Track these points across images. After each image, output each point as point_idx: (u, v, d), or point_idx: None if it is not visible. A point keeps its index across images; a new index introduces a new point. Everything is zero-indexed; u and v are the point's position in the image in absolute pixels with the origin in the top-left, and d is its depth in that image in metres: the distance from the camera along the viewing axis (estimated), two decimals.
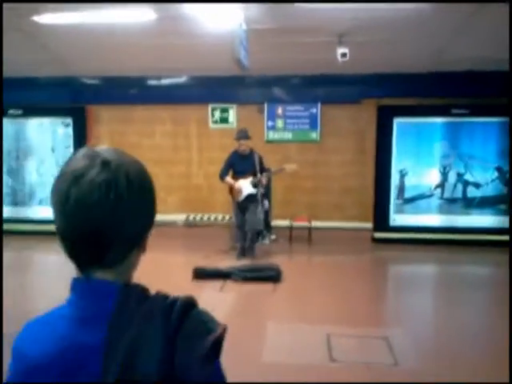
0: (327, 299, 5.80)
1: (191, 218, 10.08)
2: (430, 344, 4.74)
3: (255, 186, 7.20)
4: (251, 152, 7.32)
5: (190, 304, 0.96)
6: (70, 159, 0.98)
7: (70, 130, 9.75)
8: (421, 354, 4.41)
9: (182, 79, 9.42)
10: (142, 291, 0.99)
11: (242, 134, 7.35)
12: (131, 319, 0.93)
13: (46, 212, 8.54)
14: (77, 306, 0.97)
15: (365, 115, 9.24)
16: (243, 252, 7.44)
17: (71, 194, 0.92)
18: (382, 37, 6.83)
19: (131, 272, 1.04)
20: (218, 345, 0.91)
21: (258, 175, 7.20)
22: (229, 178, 7.37)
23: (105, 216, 0.93)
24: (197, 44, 7.00)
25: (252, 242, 7.50)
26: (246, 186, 7.26)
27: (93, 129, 9.96)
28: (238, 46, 5.83)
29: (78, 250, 0.96)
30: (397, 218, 8.79)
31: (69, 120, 9.76)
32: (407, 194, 8.80)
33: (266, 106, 9.50)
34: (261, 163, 7.32)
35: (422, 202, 8.71)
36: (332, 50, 6.77)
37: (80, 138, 9.64)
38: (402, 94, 8.79)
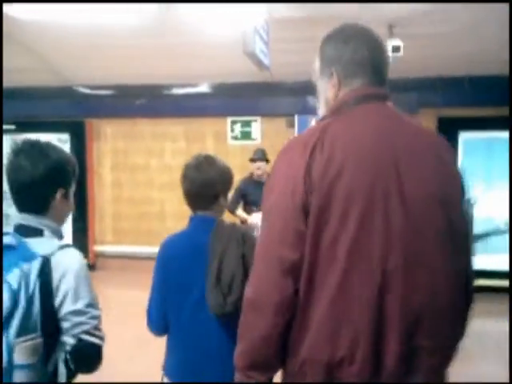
0: None
1: None
2: None
3: None
4: (268, 177, 5.87)
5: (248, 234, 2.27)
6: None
7: (68, 148, 8.73)
8: None
9: (197, 88, 8.51)
10: (227, 223, 2.30)
11: (259, 155, 6.46)
12: (223, 232, 2.19)
13: None
14: (195, 226, 2.29)
15: None
16: None
17: (196, 176, 2.28)
18: (445, 28, 5.88)
19: (221, 213, 2.38)
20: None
21: None
22: (241, 212, 6.48)
23: (204, 185, 2.27)
24: (213, 46, 6.42)
25: None
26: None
27: (93, 146, 9.04)
28: (252, 35, 4.63)
29: (194, 201, 2.32)
30: None
31: (66, 136, 8.87)
32: (476, 230, 7.01)
33: (296, 118, 8.41)
34: None
35: (496, 240, 7.48)
36: None
37: (78, 156, 8.30)
38: (469, 102, 7.67)
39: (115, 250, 9.01)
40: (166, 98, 8.66)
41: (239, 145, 8.73)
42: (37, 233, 1.70)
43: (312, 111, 7.93)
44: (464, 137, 7.58)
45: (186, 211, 7.44)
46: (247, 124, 8.74)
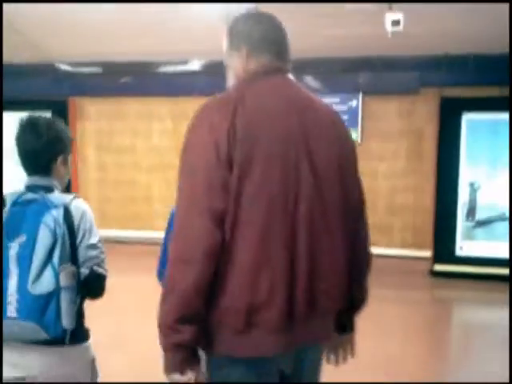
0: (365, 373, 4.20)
1: None
2: None
3: None
4: None
5: None
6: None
7: None
8: None
9: (186, 65, 8.27)
10: None
11: None
12: None
13: None
14: None
15: (422, 110, 8.04)
16: None
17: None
18: (450, 3, 5.66)
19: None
20: None
21: None
22: None
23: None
24: (203, 21, 6.23)
25: None
26: None
27: (76, 126, 8.75)
28: (236, 8, 4.37)
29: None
30: (465, 246, 7.56)
31: (48, 115, 8.27)
32: (480, 215, 7.50)
33: None
34: None
35: (500, 226, 7.35)
36: (378, 21, 5.71)
37: None
38: (473, 81, 7.50)
39: (101, 234, 8.67)
40: (154, 76, 8.44)
41: None
42: (49, 190, 2.12)
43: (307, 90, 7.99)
44: (468, 118, 7.39)
45: (174, 194, 7.74)
46: None
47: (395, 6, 5.51)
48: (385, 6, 5.57)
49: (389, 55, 7.44)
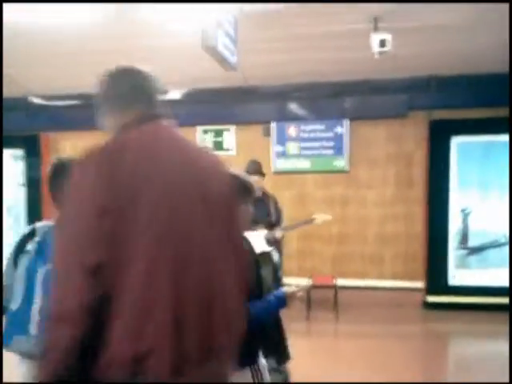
0: None
1: None
2: None
3: (269, 242, 5.92)
4: (263, 194, 6.01)
5: None
6: None
7: (22, 166, 8.38)
8: None
9: (163, 95, 7.65)
10: None
11: (256, 168, 5.91)
12: None
13: None
14: None
15: (411, 134, 7.85)
16: None
17: None
18: (436, 21, 5.54)
19: None
20: None
21: (277, 230, 5.92)
22: None
23: None
24: (178, 47, 6.11)
25: None
26: (257, 242, 5.85)
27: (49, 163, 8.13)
28: (214, 28, 4.50)
29: None
30: (458, 275, 7.51)
31: (21, 152, 8.35)
32: (472, 242, 7.45)
33: (273, 125, 8.13)
34: (277, 209, 6.13)
35: (494, 253, 7.38)
36: (364, 43, 5.61)
37: (34, 174, 8.14)
38: (463, 103, 7.39)
39: None
40: None
41: None
42: None
43: (290, 117, 7.82)
44: (458, 141, 7.42)
45: None
46: (219, 133, 8.35)
47: (381, 26, 5.41)
48: (371, 26, 5.45)
49: (376, 78, 7.35)
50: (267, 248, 5.79)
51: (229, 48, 4.75)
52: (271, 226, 5.94)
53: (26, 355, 2.28)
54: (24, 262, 2.36)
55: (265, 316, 3.02)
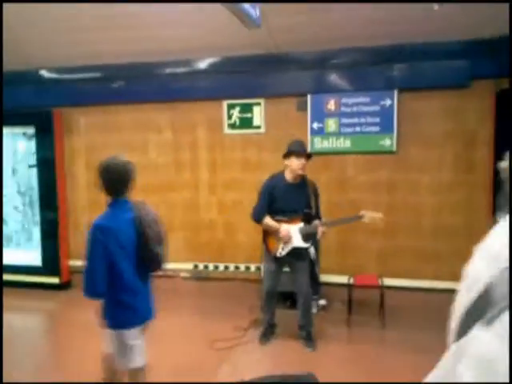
0: None
1: (200, 267, 8.22)
2: None
3: (307, 238, 5.46)
4: (303, 180, 5.54)
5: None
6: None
7: (34, 145, 7.82)
8: None
9: (185, 66, 7.59)
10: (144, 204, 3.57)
11: (302, 148, 5.42)
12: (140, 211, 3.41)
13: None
14: (120, 207, 3.39)
15: (474, 108, 7.06)
16: (271, 331, 5.84)
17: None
18: None
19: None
20: None
21: (316, 222, 5.42)
22: (270, 220, 5.53)
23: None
24: (201, 12, 5.91)
25: (306, 317, 5.66)
26: (294, 235, 5.58)
27: (64, 141, 8.01)
28: None
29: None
30: None
31: (32, 129, 7.80)
32: None
33: (309, 98, 7.41)
34: (316, 198, 5.60)
35: None
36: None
37: (46, 154, 7.65)
38: None
39: None
40: (148, 80, 7.79)
41: (238, 135, 7.91)
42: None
43: (329, 89, 6.65)
44: None
45: (175, 221, 7.25)
46: (248, 108, 7.80)
47: None
48: None
49: (430, 41, 6.61)
50: (303, 244, 5.49)
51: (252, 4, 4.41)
52: (307, 217, 5.49)
53: None
54: None
55: None
